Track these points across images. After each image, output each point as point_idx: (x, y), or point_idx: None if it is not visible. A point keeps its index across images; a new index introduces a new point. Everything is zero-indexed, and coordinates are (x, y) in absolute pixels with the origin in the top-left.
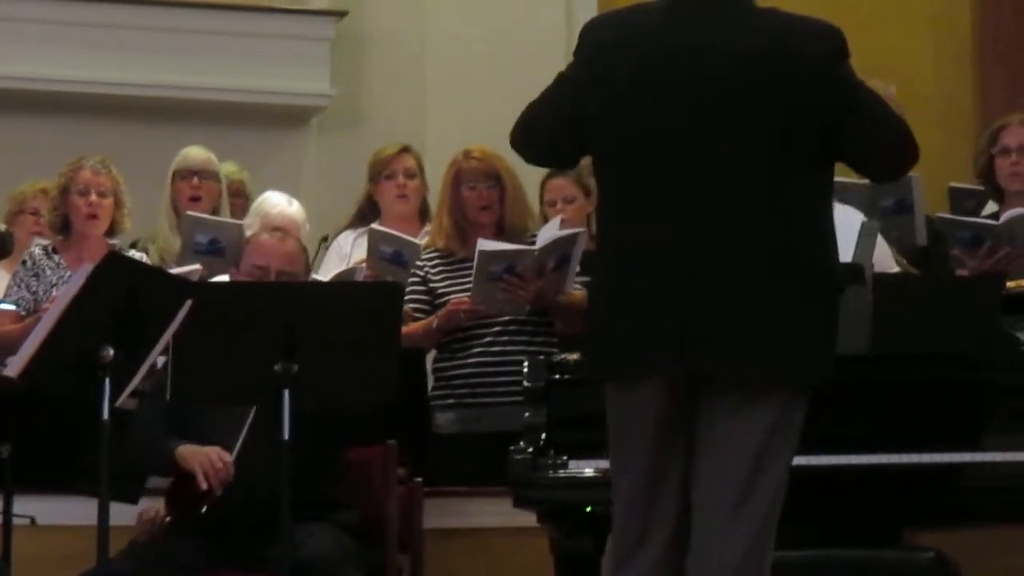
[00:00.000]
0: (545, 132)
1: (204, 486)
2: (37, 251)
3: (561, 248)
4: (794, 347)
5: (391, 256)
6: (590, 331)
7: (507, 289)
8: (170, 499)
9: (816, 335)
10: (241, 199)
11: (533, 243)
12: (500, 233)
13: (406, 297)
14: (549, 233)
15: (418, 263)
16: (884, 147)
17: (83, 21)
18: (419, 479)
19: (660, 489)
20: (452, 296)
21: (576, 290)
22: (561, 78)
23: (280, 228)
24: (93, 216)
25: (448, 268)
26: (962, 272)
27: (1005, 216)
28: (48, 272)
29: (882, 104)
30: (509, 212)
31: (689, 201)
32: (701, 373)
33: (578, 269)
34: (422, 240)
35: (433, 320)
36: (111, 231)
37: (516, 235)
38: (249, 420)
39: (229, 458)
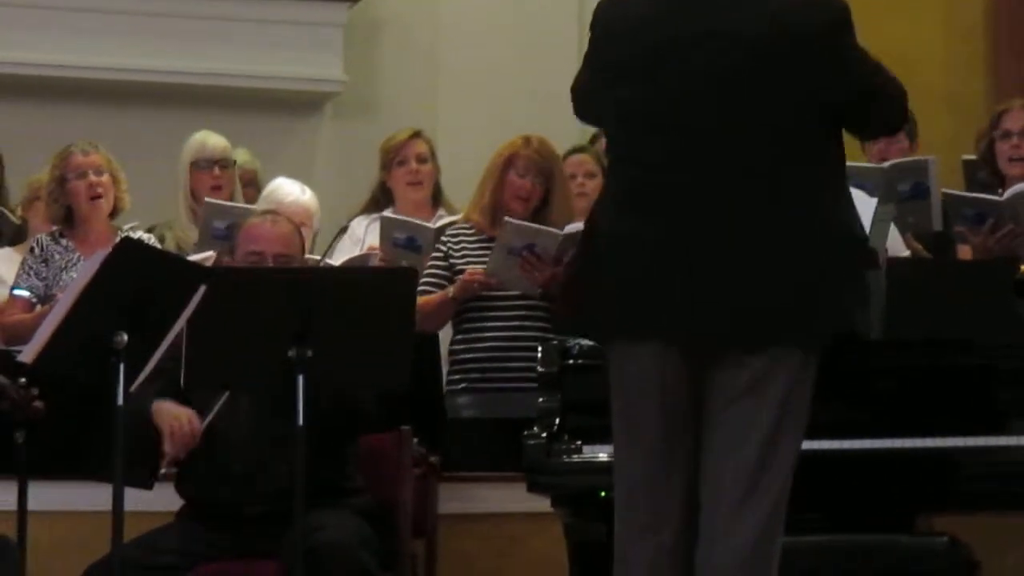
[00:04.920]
0: (584, 95)
1: (168, 449)
2: (45, 237)
3: None
4: (801, 310)
5: (405, 242)
6: (588, 307)
7: (523, 266)
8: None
9: (827, 294)
10: (252, 188)
11: None
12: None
13: (426, 271)
14: (579, 226)
15: (443, 238)
16: (883, 117)
17: (95, 7)
18: (434, 459)
19: (668, 472)
20: (471, 269)
21: None
22: (584, 56)
23: (272, 210)
24: (96, 196)
25: (471, 247)
26: (965, 248)
27: (1009, 192)
28: (57, 257)
29: (883, 74)
30: (554, 210)
31: (694, 179)
32: (710, 338)
33: None
34: (436, 224)
35: (449, 290)
36: (114, 212)
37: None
38: (224, 397)
39: (199, 424)
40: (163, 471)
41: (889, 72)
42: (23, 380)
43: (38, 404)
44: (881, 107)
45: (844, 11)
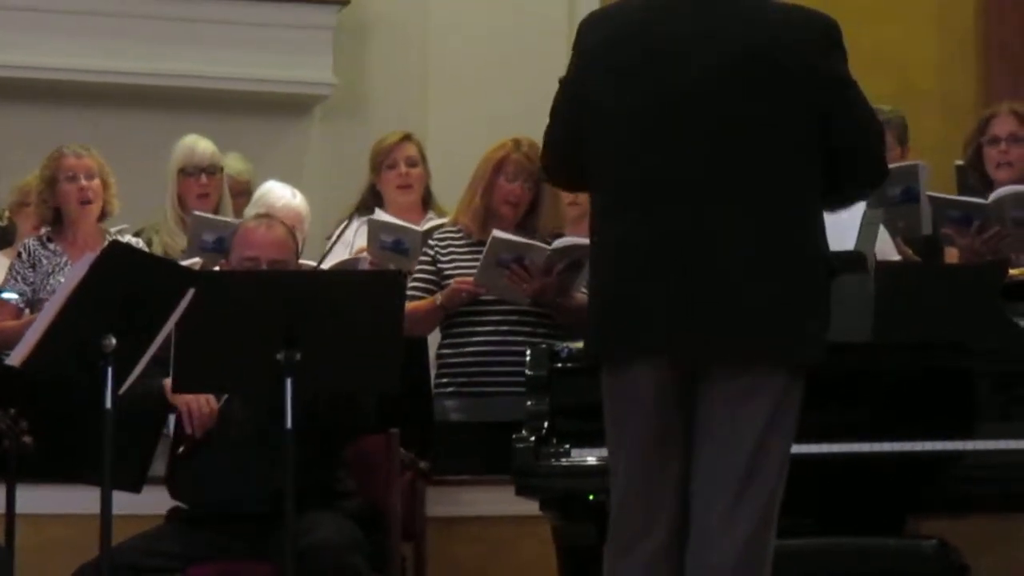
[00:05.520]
0: (558, 146)
1: (188, 430)
2: (32, 242)
3: (575, 254)
4: (793, 328)
5: (392, 245)
6: (589, 318)
7: (511, 278)
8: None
9: (811, 317)
10: (244, 198)
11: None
12: (521, 232)
13: (414, 275)
14: (567, 239)
15: (430, 242)
16: (862, 149)
17: (82, 9)
18: (424, 464)
19: (660, 479)
20: (458, 278)
21: (582, 294)
22: (561, 84)
23: (266, 214)
24: (86, 201)
25: (459, 251)
26: (952, 250)
27: (994, 195)
28: (44, 261)
29: (868, 107)
30: (541, 215)
31: (685, 190)
32: (702, 355)
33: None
34: (424, 227)
35: (437, 297)
36: (102, 215)
37: (542, 237)
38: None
39: (215, 404)
40: (179, 450)
41: (873, 111)
42: (13, 411)
43: (27, 440)
44: (866, 150)
45: (835, 27)
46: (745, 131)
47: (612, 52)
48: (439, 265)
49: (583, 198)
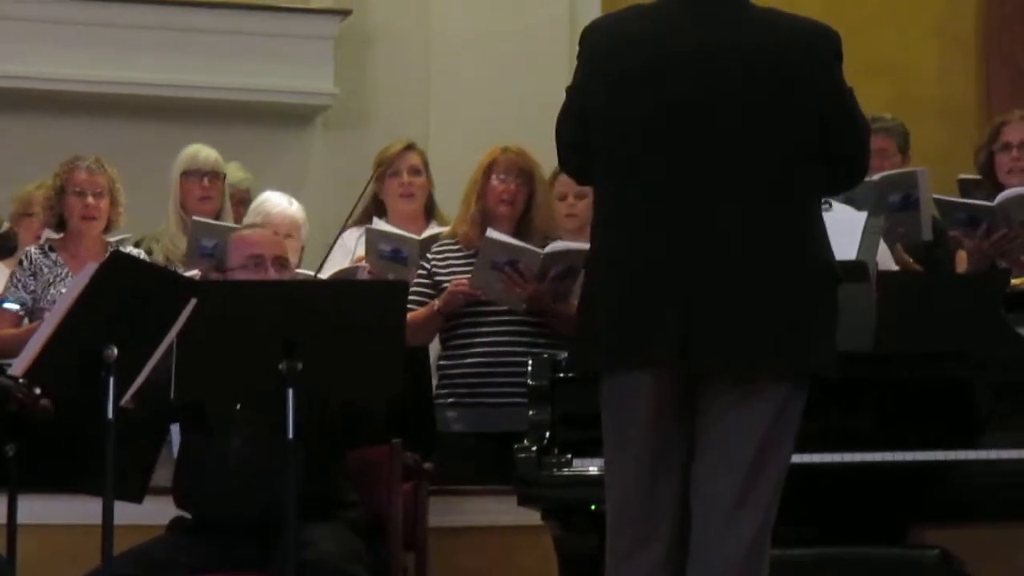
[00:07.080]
0: (566, 143)
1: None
2: (34, 251)
3: (569, 260)
4: (794, 339)
5: (390, 254)
6: (584, 327)
7: (505, 282)
8: None
9: (815, 327)
10: (243, 207)
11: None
12: (518, 234)
13: (411, 288)
14: (561, 244)
15: (428, 255)
16: (857, 157)
17: (86, 20)
18: (429, 465)
19: (660, 487)
20: (455, 280)
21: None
22: (568, 88)
23: (256, 223)
24: (89, 218)
25: (456, 263)
26: (962, 252)
27: (1000, 197)
28: (45, 271)
29: (863, 116)
30: (536, 215)
31: (690, 199)
32: (703, 368)
33: None
34: (423, 236)
35: (435, 303)
36: (106, 228)
37: (538, 239)
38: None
39: None
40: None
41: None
42: (23, 380)
43: (45, 403)
44: (860, 159)
45: (837, 39)
46: (748, 140)
47: (615, 60)
48: (436, 279)
49: (580, 209)
